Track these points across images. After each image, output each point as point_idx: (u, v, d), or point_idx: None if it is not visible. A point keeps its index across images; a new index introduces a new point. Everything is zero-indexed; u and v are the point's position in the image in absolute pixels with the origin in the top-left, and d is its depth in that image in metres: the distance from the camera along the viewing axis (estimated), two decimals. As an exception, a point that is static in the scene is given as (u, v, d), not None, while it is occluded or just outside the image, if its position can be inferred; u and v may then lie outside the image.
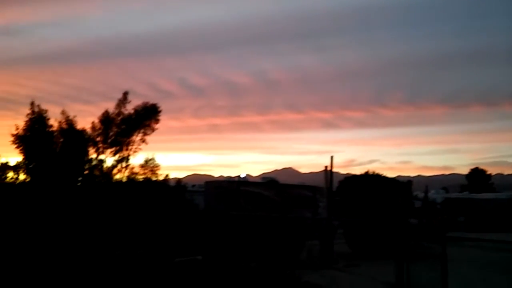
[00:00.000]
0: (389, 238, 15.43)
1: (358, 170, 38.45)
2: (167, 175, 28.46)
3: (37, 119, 27.08)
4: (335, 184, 25.04)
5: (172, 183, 29.16)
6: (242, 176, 35.12)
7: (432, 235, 20.53)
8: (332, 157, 21.90)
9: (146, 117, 27.63)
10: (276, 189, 23.57)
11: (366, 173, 26.84)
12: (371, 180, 25.59)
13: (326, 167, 21.80)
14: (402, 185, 27.00)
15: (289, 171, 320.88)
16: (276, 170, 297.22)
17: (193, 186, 35.82)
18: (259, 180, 41.84)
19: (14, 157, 27.66)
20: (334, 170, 22.04)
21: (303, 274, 15.24)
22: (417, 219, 24.16)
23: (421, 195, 34.69)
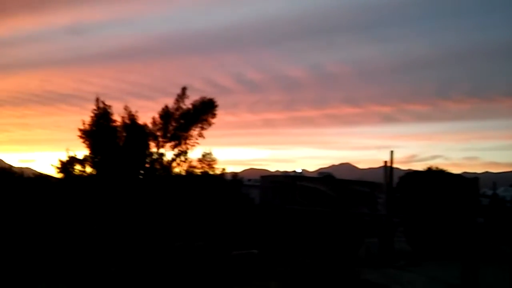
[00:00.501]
0: (454, 238, 14.62)
1: (419, 166, 36.84)
2: (223, 169, 28.78)
3: (102, 115, 28.28)
4: (395, 180, 24.16)
5: (228, 177, 29.49)
6: (298, 171, 34.83)
7: (501, 235, 19.29)
8: (392, 152, 21.12)
9: (203, 111, 28.02)
10: (332, 185, 23.18)
11: (429, 169, 25.59)
12: (434, 176, 24.36)
13: (385, 162, 21.10)
14: (468, 181, 25.45)
15: (346, 166, 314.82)
16: (333, 165, 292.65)
17: (249, 180, 35.95)
18: (315, 175, 41.34)
19: (82, 151, 28.97)
20: (394, 165, 21.31)
21: (362, 272, 14.85)
22: (484, 218, 22.77)
23: (489, 192, 32.71)
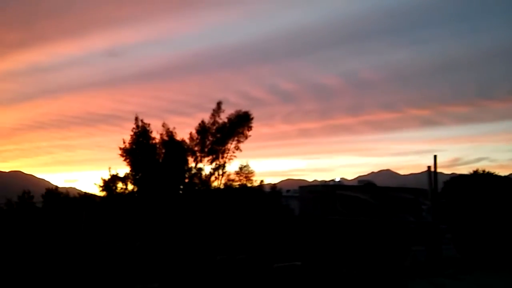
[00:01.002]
0: (506, 244, 13.85)
1: (464, 170, 35.41)
2: (262, 181, 28.83)
3: (141, 133, 29.01)
4: (440, 185, 23.28)
5: (267, 189, 29.44)
6: (336, 180, 34.27)
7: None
8: (435, 157, 20.35)
9: (239, 125, 28.28)
10: (374, 192, 22.62)
11: (475, 172, 24.49)
12: (481, 180, 23.28)
13: (429, 167, 20.34)
14: (518, 184, 24.20)
15: (387, 173, 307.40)
16: (372, 173, 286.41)
17: (288, 191, 35.76)
18: (355, 184, 40.55)
19: (123, 169, 29.71)
20: (438, 170, 20.49)
21: (410, 281, 14.27)
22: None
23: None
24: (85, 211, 17.37)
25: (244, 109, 28.85)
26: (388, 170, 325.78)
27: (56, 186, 31.42)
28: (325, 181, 35.58)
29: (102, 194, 30.08)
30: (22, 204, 27.32)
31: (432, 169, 20.34)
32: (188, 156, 28.73)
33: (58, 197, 29.07)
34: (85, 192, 30.55)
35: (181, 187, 28.69)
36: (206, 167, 28.47)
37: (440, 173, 22.37)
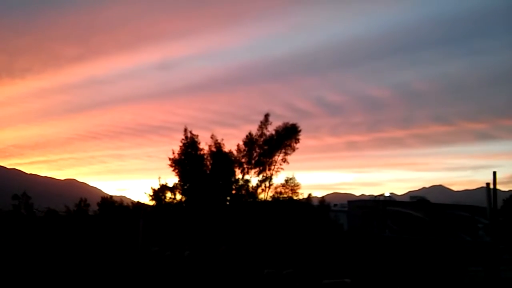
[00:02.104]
0: None
1: (524, 187, 33.17)
2: (310, 195, 28.40)
3: (190, 144, 29.49)
4: (498, 203, 21.98)
5: (315, 203, 28.97)
6: (386, 195, 33.17)
7: None
8: (495, 173, 19.19)
9: (286, 137, 28.08)
10: (427, 209, 21.67)
11: (539, 190, 22.97)
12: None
13: (487, 184, 19.23)
14: None
15: (439, 188, 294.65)
16: (424, 188, 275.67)
17: (335, 205, 34.96)
18: (406, 200, 39.04)
19: (172, 179, 30.28)
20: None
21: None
22: None
23: None
24: (142, 220, 17.77)
25: (290, 121, 28.63)
26: (440, 186, 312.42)
27: (111, 195, 32.53)
28: (374, 196, 34.51)
29: (152, 203, 30.78)
30: (79, 211, 28.45)
31: (491, 186, 19.23)
32: (235, 167, 28.81)
33: (112, 205, 30.03)
34: (138, 201, 31.34)
35: (228, 198, 28.80)
36: (253, 179, 28.41)
37: (497, 189, 21.15)
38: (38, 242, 19.41)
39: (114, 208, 29.08)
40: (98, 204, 30.22)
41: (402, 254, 17.27)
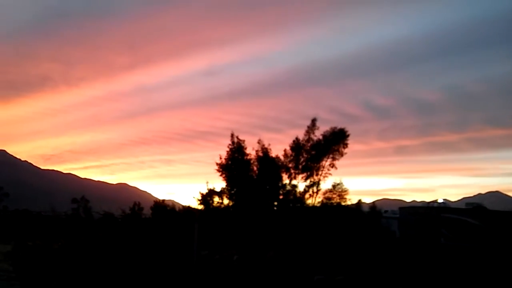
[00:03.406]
0: None
1: None
2: (359, 200, 27.89)
3: (237, 149, 29.76)
4: None
5: (365, 209, 28.36)
6: (440, 201, 31.87)
7: None
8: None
9: (334, 142, 27.72)
10: (485, 217, 20.57)
11: None
12: None
13: (553, 190, 18.03)
14: None
15: (495, 195, 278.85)
16: (479, 194, 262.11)
17: (386, 211, 33.99)
18: (460, 206, 37.30)
19: (219, 184, 30.65)
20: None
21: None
22: None
23: None
24: (198, 224, 18.13)
25: (336, 126, 28.27)
26: (497, 192, 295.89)
27: (163, 199, 33.46)
28: (427, 203, 33.19)
29: (200, 207, 31.28)
30: (134, 214, 29.45)
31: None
32: (282, 172, 28.76)
33: (164, 209, 30.85)
34: (189, 206, 31.92)
35: (276, 203, 28.76)
36: (300, 184, 28.24)
37: None
38: (96, 243, 20.25)
39: (166, 212, 29.85)
40: (151, 207, 31.19)
41: (460, 263, 16.49)
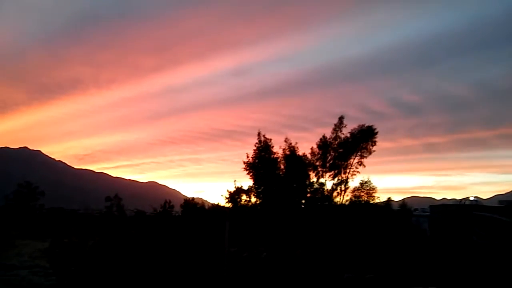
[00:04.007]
0: None
1: None
2: (389, 198, 27.62)
3: (264, 148, 29.92)
4: None
5: (395, 207, 28.02)
6: (471, 199, 31.11)
7: None
8: None
9: (362, 139, 27.50)
10: (520, 215, 20.01)
11: None
12: None
13: None
14: None
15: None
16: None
17: (415, 210, 33.44)
18: (493, 204, 36.29)
19: (246, 182, 30.92)
20: None
21: None
22: None
23: None
24: (228, 221, 18.44)
25: (364, 123, 28.03)
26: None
27: (192, 197, 34.09)
28: (459, 200, 32.45)
29: (228, 205, 31.63)
30: (164, 212, 30.14)
31: None
32: (310, 171, 28.76)
33: (194, 207, 31.44)
34: (218, 203, 32.33)
35: (303, 201, 28.78)
36: (328, 182, 28.16)
37: None
38: (129, 240, 20.83)
39: (196, 210, 30.38)
40: (181, 205, 31.83)
41: (493, 261, 16.12)
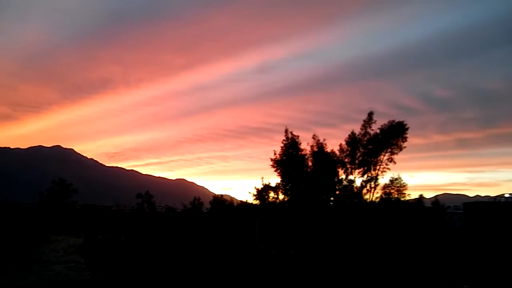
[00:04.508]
0: None
1: None
2: (421, 195, 26.92)
3: (291, 145, 29.73)
4: None
5: (427, 204, 27.33)
6: (506, 196, 30.02)
7: None
8: None
9: (392, 136, 26.87)
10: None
11: None
12: None
13: None
14: None
15: None
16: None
17: (448, 207, 32.41)
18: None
19: (273, 179, 30.80)
20: None
21: None
22: None
23: None
24: (259, 219, 18.54)
25: (393, 119, 27.37)
26: None
27: (221, 194, 34.37)
28: (494, 198, 31.38)
29: (256, 202, 31.69)
30: (194, 209, 30.55)
31: None
32: (338, 167, 28.37)
33: (223, 204, 31.68)
34: (246, 200, 32.44)
35: (332, 198, 28.48)
36: (357, 179, 27.71)
37: None
38: (160, 236, 21.18)
39: (225, 206, 30.60)
40: (210, 202, 32.12)
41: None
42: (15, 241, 28.95)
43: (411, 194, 26.68)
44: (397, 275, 14.07)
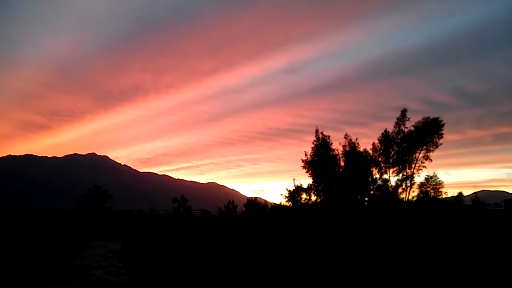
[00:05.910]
0: None
1: None
2: (460, 193, 26.14)
3: (322, 145, 29.44)
4: None
5: (466, 201, 26.49)
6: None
7: None
8: None
9: (427, 132, 26.18)
10: None
11: None
12: None
13: None
14: None
15: None
16: None
17: (488, 204, 31.30)
18: None
19: (305, 180, 30.61)
20: None
21: None
22: None
23: None
24: (297, 222, 18.52)
25: (426, 115, 26.64)
26: None
27: (255, 197, 34.55)
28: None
29: (288, 204, 31.56)
30: (228, 212, 30.83)
31: None
32: (372, 167, 27.89)
33: (257, 206, 31.80)
34: (280, 203, 32.36)
35: (366, 198, 28.03)
36: (392, 178, 27.16)
37: None
38: (197, 239, 21.43)
39: (259, 209, 30.69)
40: (244, 205, 32.38)
41: None
42: (58, 246, 29.90)
43: (448, 192, 25.99)
44: (437, 275, 13.69)
